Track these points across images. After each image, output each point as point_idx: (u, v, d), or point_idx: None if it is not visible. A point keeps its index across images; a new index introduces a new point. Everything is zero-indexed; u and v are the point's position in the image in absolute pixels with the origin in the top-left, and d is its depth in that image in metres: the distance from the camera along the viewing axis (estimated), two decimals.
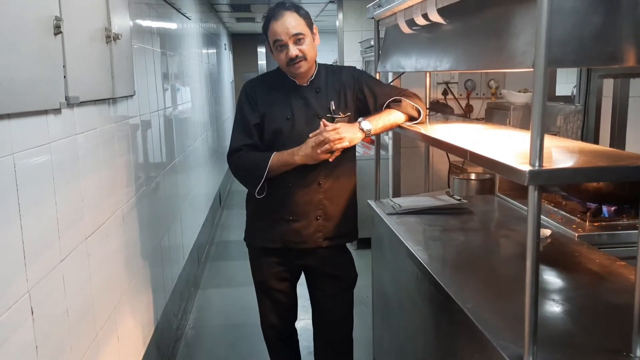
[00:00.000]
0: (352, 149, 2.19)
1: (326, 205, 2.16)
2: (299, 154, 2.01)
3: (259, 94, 2.13)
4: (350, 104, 2.16)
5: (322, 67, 2.18)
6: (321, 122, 2.00)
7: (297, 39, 2.01)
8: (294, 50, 2.01)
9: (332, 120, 2.08)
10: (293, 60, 2.02)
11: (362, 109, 2.19)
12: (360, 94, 2.17)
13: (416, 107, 2.14)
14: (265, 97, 2.13)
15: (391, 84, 2.44)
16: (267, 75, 2.26)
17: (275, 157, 2.04)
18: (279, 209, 2.14)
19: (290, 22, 2.00)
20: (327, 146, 1.95)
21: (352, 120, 2.15)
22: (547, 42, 1.10)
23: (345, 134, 1.98)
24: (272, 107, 2.11)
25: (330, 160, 2.02)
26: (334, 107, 2.12)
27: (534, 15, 1.15)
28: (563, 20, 1.20)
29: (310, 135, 1.99)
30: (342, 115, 2.11)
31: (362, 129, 2.03)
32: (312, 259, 2.21)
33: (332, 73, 2.18)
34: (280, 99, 2.12)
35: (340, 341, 2.35)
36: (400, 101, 2.14)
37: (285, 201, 2.12)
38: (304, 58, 2.04)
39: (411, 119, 2.16)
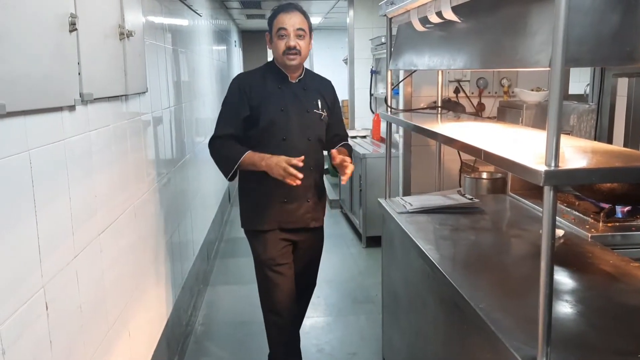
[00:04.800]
0: (321, 142, 2.47)
1: (314, 189, 2.43)
2: (266, 162, 2.23)
3: (253, 87, 2.34)
4: (328, 109, 2.45)
5: (308, 71, 2.46)
6: (332, 151, 2.32)
7: (299, 34, 2.28)
8: (293, 41, 2.27)
9: (319, 116, 2.38)
10: (290, 50, 2.27)
11: None
12: (328, 110, 2.46)
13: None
14: (260, 89, 2.34)
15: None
16: (260, 69, 2.46)
17: (248, 156, 2.28)
18: (275, 193, 2.35)
19: (297, 19, 2.28)
20: (292, 176, 2.15)
21: (327, 121, 2.46)
22: (564, 41, 1.09)
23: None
24: (267, 98, 2.33)
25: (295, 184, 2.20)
26: (320, 105, 2.40)
27: (550, 14, 1.14)
28: (581, 19, 1.19)
29: (293, 161, 2.16)
30: (324, 113, 2.41)
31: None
32: (300, 236, 2.46)
33: (318, 78, 2.50)
34: (274, 91, 2.35)
35: (306, 302, 2.70)
36: (349, 147, 2.56)
37: (282, 185, 2.26)
38: (299, 53, 2.29)
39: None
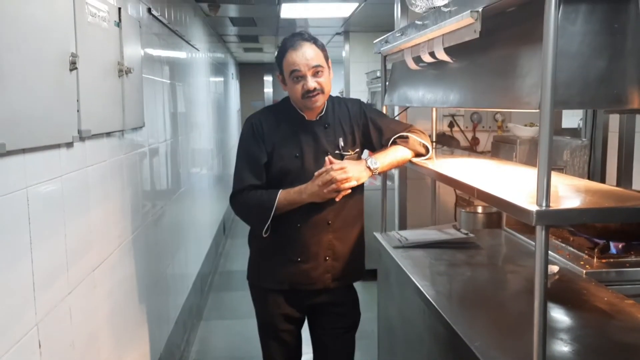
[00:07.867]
0: (360, 186, 2.13)
1: (335, 245, 2.10)
2: (307, 193, 1.94)
3: (266, 129, 2.04)
4: (357, 140, 2.12)
5: (330, 101, 2.11)
6: (326, 159, 1.94)
7: (316, 71, 1.96)
8: (312, 83, 1.95)
9: (341, 157, 2.03)
10: (310, 93, 1.95)
11: (367, 144, 2.16)
12: (365, 128, 2.13)
13: (423, 143, 2.11)
14: (273, 132, 2.04)
15: (396, 118, 2.44)
16: (273, 107, 2.17)
17: (282, 196, 1.96)
18: (286, 250, 2.06)
19: (310, 53, 1.95)
20: (333, 186, 1.89)
21: (360, 155, 2.12)
22: (552, 84, 1.13)
23: (352, 172, 1.92)
24: (280, 143, 2.03)
25: (337, 199, 1.94)
26: (342, 144, 2.06)
27: (539, 57, 1.17)
28: (568, 63, 1.22)
29: (316, 173, 1.92)
30: (351, 152, 2.07)
31: (368, 167, 1.98)
32: (319, 299, 2.15)
33: (339, 106, 2.13)
34: (288, 135, 2.04)
35: None
36: (407, 137, 2.11)
37: (294, 242, 2.05)
38: (322, 91, 1.98)
39: (417, 155, 2.13)
